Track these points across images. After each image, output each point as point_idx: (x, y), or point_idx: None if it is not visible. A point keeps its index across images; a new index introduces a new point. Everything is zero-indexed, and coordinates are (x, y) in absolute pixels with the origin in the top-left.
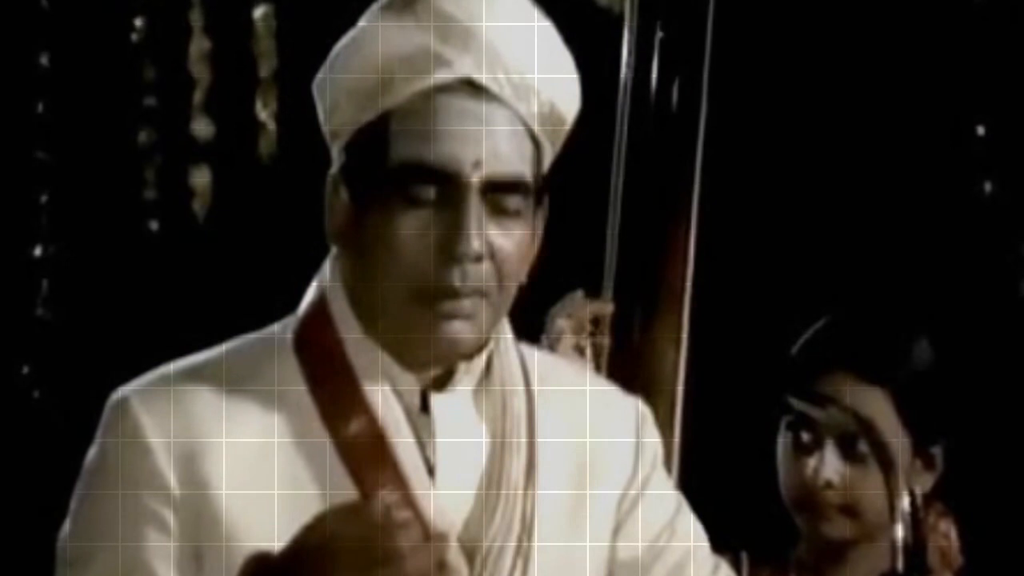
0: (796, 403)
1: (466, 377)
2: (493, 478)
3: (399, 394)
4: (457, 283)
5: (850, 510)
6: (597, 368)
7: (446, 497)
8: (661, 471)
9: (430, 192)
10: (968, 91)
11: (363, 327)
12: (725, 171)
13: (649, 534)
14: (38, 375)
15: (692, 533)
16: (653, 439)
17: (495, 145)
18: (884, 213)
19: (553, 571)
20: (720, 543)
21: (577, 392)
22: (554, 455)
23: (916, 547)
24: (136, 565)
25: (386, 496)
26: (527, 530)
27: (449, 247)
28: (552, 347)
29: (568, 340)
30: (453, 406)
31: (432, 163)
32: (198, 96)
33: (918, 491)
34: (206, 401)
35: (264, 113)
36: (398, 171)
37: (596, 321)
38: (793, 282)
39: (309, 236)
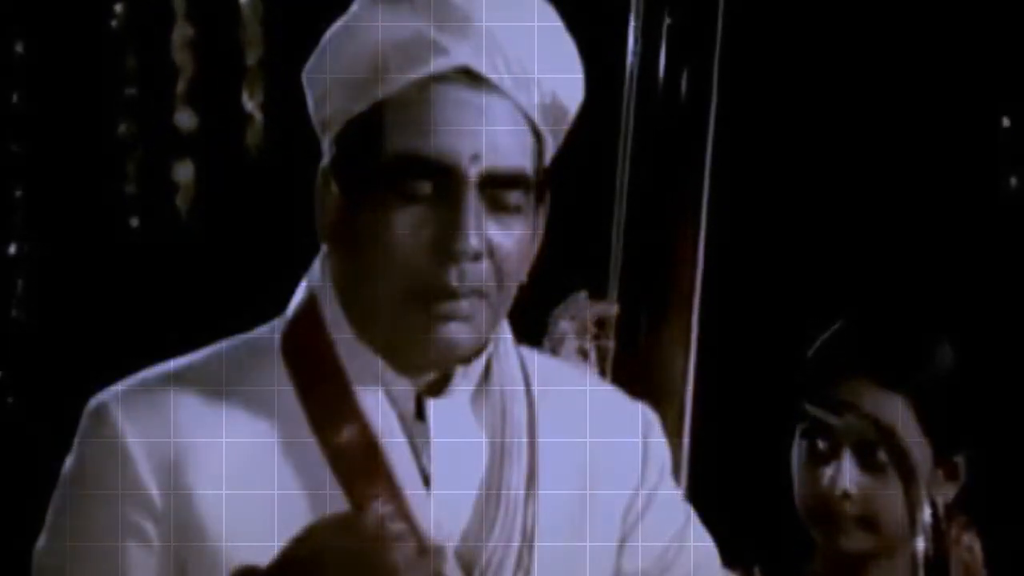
0: (812, 409)
1: (464, 381)
2: (492, 487)
3: (393, 399)
4: (454, 283)
5: (868, 522)
6: (602, 372)
7: (443, 508)
8: (669, 480)
9: (426, 187)
10: (992, 81)
11: (355, 329)
12: (737, 165)
13: (656, 546)
14: (13, 380)
15: (701, 546)
16: (660, 447)
17: (494, 138)
18: (903, 209)
19: None
20: (731, 557)
21: (580, 397)
22: (556, 463)
23: (938, 561)
24: None
25: (379, 507)
26: (528, 542)
27: (446, 245)
28: (554, 350)
29: (571, 343)
30: (450, 412)
31: (428, 156)
32: (181, 86)
33: (940, 502)
34: (190, 407)
35: (251, 104)
36: (392, 165)
37: (600, 323)
38: (808, 282)
39: (298, 233)
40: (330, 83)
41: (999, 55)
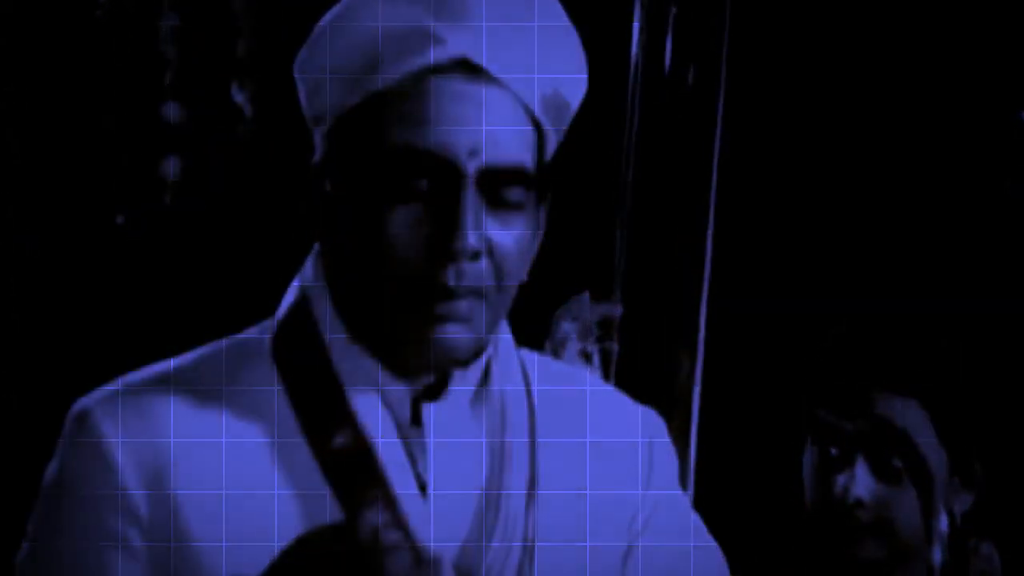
0: (823, 414)
1: (462, 384)
2: (492, 495)
3: (388, 403)
4: (452, 283)
5: (883, 531)
6: (606, 375)
7: (440, 515)
8: (675, 486)
9: (423, 183)
10: (1007, 75)
11: (349, 330)
12: (745, 160)
13: (662, 556)
14: None
15: (709, 554)
16: (666, 451)
17: (494, 131)
18: (918, 208)
19: None
20: (740, 567)
21: (582, 400)
22: (558, 469)
23: (955, 571)
24: None
25: (374, 516)
26: (528, 552)
27: (443, 243)
28: (556, 352)
29: (574, 345)
30: (448, 416)
31: (425, 151)
32: (169, 77)
33: (957, 511)
34: (177, 411)
35: (241, 96)
36: (388, 160)
37: (604, 325)
38: (820, 283)
39: (290, 231)
40: (323, 75)
41: (1014, 49)
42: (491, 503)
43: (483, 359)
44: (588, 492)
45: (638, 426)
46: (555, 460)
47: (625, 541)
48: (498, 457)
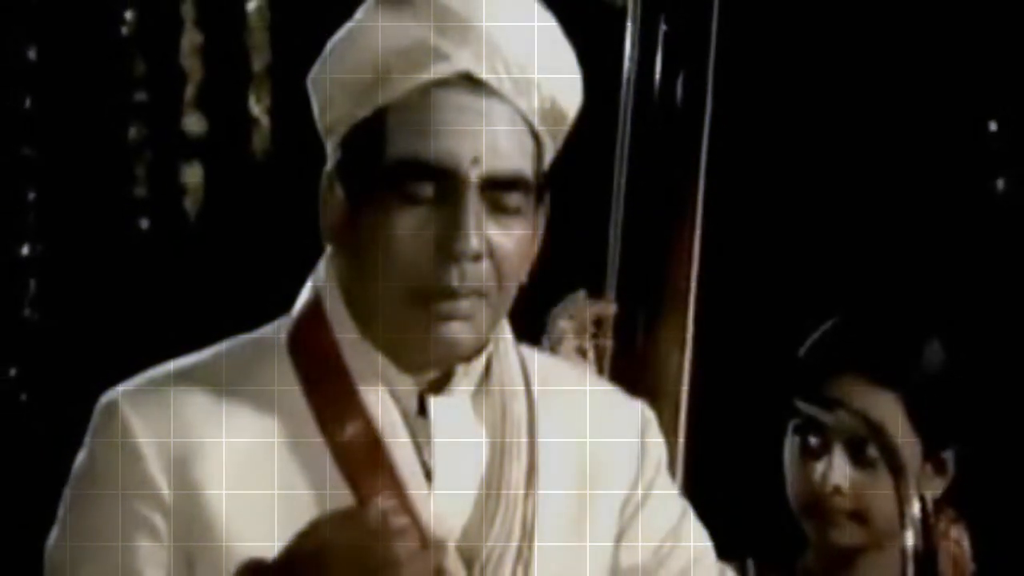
0: (804, 406)
1: (465, 379)
2: (493, 483)
3: (396, 397)
4: (455, 283)
5: (859, 516)
6: (600, 371)
7: (444, 502)
8: (665, 475)
9: (428, 189)
10: (980, 85)
11: (359, 328)
12: (731, 167)
13: (653, 540)
14: (25, 378)
15: (697, 539)
16: (657, 443)
17: (494, 141)
18: (894, 211)
19: None
20: (726, 550)
21: (579, 395)
22: (555, 459)
23: (927, 554)
24: (127, 573)
25: (382, 501)
26: (527, 536)
27: (447, 246)
28: (553, 349)
29: (570, 342)
30: (451, 409)
31: (430, 159)
32: (190, 91)
33: (929, 497)
34: (198, 404)
35: (257, 108)
36: (395, 168)
37: (599, 322)
38: (801, 282)
39: (304, 235)
40: (334, 89)
41: (986, 62)
42: (491, 493)
43: (484, 356)
44: (587, 486)
45: (630, 418)
46: (552, 450)
47: (618, 529)
48: (498, 450)
